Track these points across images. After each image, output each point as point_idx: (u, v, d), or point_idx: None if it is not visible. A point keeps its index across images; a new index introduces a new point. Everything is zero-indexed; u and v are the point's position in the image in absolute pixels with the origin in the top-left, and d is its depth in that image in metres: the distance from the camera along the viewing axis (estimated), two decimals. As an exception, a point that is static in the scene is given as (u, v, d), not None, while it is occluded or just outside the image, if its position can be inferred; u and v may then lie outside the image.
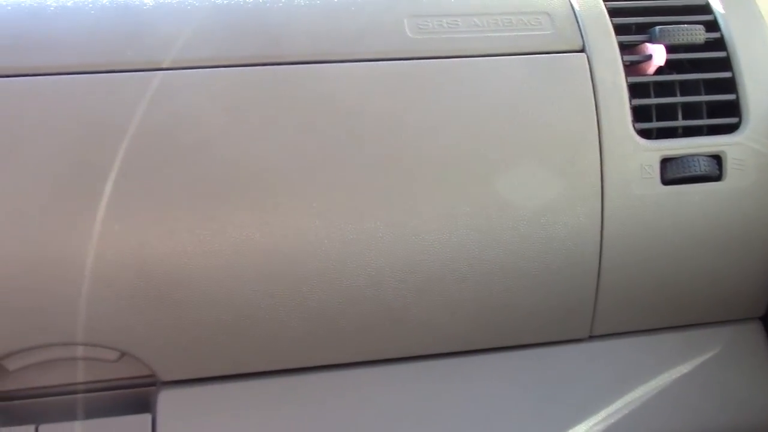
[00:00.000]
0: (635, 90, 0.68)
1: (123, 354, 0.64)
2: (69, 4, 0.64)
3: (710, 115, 0.70)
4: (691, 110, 0.70)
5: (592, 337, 0.73)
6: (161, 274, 0.61)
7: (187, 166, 0.60)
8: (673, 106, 0.69)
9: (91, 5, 0.64)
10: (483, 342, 0.71)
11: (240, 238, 0.61)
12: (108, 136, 0.60)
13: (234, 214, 0.61)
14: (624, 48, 0.69)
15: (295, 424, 0.66)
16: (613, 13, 0.70)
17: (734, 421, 0.73)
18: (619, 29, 0.70)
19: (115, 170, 0.60)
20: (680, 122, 0.69)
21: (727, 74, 0.70)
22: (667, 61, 0.69)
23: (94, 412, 0.66)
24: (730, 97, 0.70)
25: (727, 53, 0.70)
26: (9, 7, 0.64)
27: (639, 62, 0.69)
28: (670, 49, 0.70)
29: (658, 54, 0.68)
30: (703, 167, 0.68)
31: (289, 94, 0.63)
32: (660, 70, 0.70)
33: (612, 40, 0.68)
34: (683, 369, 0.74)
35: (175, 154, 0.60)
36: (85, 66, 0.61)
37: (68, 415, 0.66)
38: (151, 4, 0.65)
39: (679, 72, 0.71)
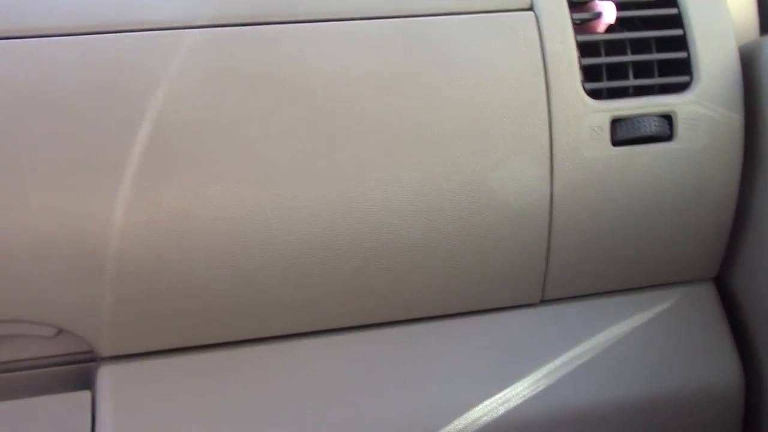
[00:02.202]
0: (585, 49, 0.67)
1: (60, 330, 0.62)
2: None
3: (661, 74, 0.68)
4: (642, 69, 0.68)
5: (543, 302, 0.72)
6: (96, 247, 0.59)
7: (121, 136, 0.58)
8: (624, 65, 0.68)
9: None
10: (434, 309, 0.69)
11: (177, 208, 0.59)
12: (36, 105, 0.57)
13: (170, 183, 0.59)
14: (573, 6, 0.67)
15: (238, 397, 0.65)
16: (562, -31, 0.68)
17: (688, 380, 0.74)
18: (569, -14, 0.68)
19: (46, 140, 0.57)
20: (631, 81, 0.67)
21: (678, 31, 0.68)
22: (618, 19, 0.68)
23: (31, 390, 0.64)
24: (682, 54, 0.68)
25: (679, 10, 0.69)
26: None
27: (589, 20, 0.67)
28: (620, 7, 0.68)
29: (608, 11, 0.66)
30: (654, 127, 0.67)
31: (226, 57, 0.60)
32: (610, 28, 0.68)
33: None
34: (637, 331, 0.74)
35: (108, 123, 0.58)
36: None
37: (5, 394, 0.64)
38: None
39: (629, 30, 0.69)
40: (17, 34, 0.58)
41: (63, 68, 0.58)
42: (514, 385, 0.70)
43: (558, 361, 0.71)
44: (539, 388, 0.70)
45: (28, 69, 0.57)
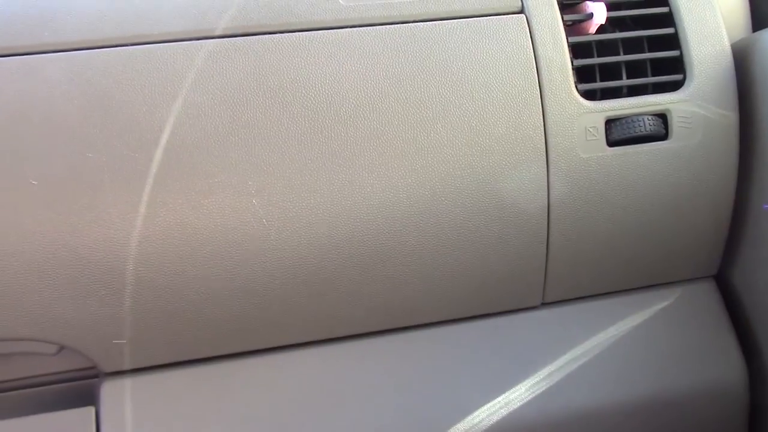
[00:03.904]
0: (577, 50, 0.67)
1: (62, 347, 0.62)
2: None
3: (654, 73, 0.68)
4: (635, 68, 0.68)
5: (545, 304, 0.72)
6: (94, 262, 0.59)
7: (116, 149, 0.58)
8: (617, 65, 0.68)
9: None
10: (435, 315, 0.69)
11: (174, 221, 0.59)
12: (31, 121, 0.57)
13: (166, 196, 0.59)
14: (564, 7, 0.67)
15: (243, 408, 0.65)
16: (551, -29, 0.68)
17: (691, 379, 0.73)
18: (559, -12, 0.68)
19: (44, 156, 0.57)
20: (624, 81, 0.67)
21: (669, 30, 0.68)
22: (609, 19, 0.68)
23: (35, 407, 0.64)
24: (674, 53, 0.68)
25: (670, 8, 0.69)
26: None
27: (580, 21, 0.67)
28: (611, 7, 0.68)
29: (598, 12, 0.67)
30: (649, 126, 0.67)
31: (219, 69, 0.60)
32: (602, 29, 0.68)
33: (551, 0, 0.66)
34: (639, 331, 0.73)
35: (103, 137, 0.58)
36: None
37: (9, 411, 0.64)
38: None
39: (621, 30, 0.69)
40: (20, 51, 0.58)
41: (60, 84, 0.58)
42: (518, 388, 0.70)
43: (561, 363, 0.71)
44: (543, 391, 0.70)
45: (28, 85, 0.58)
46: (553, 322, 0.72)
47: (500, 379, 0.70)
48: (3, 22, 0.59)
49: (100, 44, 0.60)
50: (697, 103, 0.67)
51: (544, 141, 0.65)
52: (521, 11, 0.66)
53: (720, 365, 0.74)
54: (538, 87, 0.64)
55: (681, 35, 0.68)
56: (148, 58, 0.59)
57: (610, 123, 0.67)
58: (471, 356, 0.70)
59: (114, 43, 0.60)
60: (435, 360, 0.70)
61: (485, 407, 0.69)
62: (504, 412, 0.69)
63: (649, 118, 0.67)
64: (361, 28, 0.63)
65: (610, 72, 0.68)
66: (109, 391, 0.64)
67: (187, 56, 0.60)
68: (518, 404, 0.69)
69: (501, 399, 0.69)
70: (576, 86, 0.66)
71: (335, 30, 0.63)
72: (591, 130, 0.66)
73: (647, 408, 0.72)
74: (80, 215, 0.58)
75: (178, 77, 0.59)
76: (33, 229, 0.57)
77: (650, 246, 0.71)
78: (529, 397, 0.70)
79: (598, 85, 0.67)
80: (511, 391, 0.70)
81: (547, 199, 0.66)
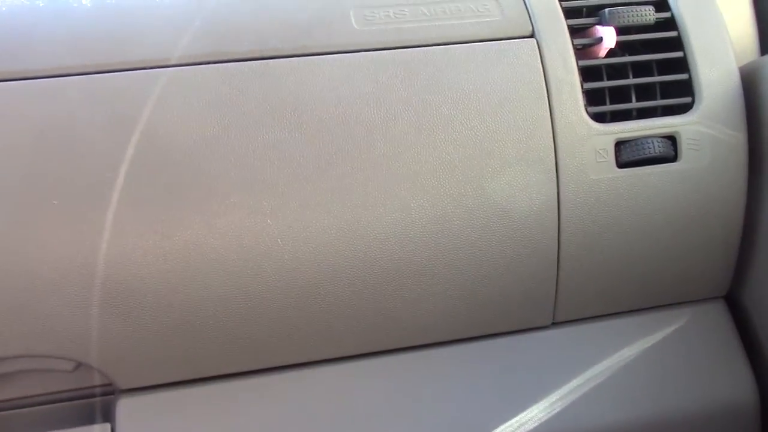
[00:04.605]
0: (587, 73, 0.68)
1: (79, 364, 0.63)
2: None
3: (663, 96, 0.69)
4: (644, 91, 0.69)
5: (555, 324, 0.73)
6: (112, 280, 0.60)
7: (132, 169, 0.59)
8: (626, 88, 0.69)
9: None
10: (445, 334, 0.70)
11: (189, 240, 0.60)
12: (53, 143, 0.59)
13: (181, 216, 0.60)
14: (574, 32, 0.69)
15: (258, 426, 0.66)
16: (562, -3, 0.70)
17: (702, 400, 0.73)
18: (569, 13, 0.69)
19: (61, 175, 0.59)
20: (633, 104, 0.68)
21: (678, 54, 0.70)
22: (619, 43, 0.69)
23: (52, 424, 0.65)
24: (683, 76, 0.69)
25: (678, 33, 0.70)
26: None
27: (590, 45, 0.69)
28: (620, 31, 0.69)
29: (608, 36, 0.68)
30: (658, 148, 0.67)
31: (235, 91, 0.62)
32: (611, 53, 0.69)
33: (562, 24, 0.68)
34: (649, 352, 0.74)
35: (120, 157, 0.59)
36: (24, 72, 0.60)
37: (26, 428, 0.65)
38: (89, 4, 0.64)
39: (630, 53, 0.70)
40: (41, 74, 0.60)
41: (81, 106, 0.59)
42: (528, 409, 0.70)
43: (571, 384, 0.72)
44: (553, 411, 0.70)
45: (49, 107, 0.59)
46: (564, 342, 0.73)
47: (510, 398, 0.70)
48: (24, 45, 0.61)
49: (121, 67, 0.61)
50: (706, 125, 0.68)
51: (554, 162, 0.66)
52: (532, 35, 0.67)
53: (731, 386, 0.74)
54: (548, 110, 0.66)
55: (689, 59, 0.69)
56: (167, 81, 0.61)
57: (619, 145, 0.68)
58: (481, 375, 0.71)
59: (134, 66, 0.61)
60: (446, 378, 0.70)
61: (496, 427, 0.69)
62: (514, 431, 0.69)
63: (659, 140, 0.68)
64: (375, 52, 0.64)
65: (619, 95, 0.69)
66: (125, 407, 0.64)
67: (204, 79, 0.61)
68: (529, 424, 0.70)
69: (512, 419, 0.70)
70: (586, 109, 0.67)
71: (350, 54, 0.64)
72: (601, 152, 0.67)
73: (656, 429, 0.72)
74: (99, 235, 0.59)
75: (196, 100, 0.61)
76: (53, 248, 0.58)
77: (660, 266, 0.71)
78: (539, 416, 0.70)
79: (608, 107, 0.68)
80: (521, 410, 0.70)
81: (557, 220, 0.67)
